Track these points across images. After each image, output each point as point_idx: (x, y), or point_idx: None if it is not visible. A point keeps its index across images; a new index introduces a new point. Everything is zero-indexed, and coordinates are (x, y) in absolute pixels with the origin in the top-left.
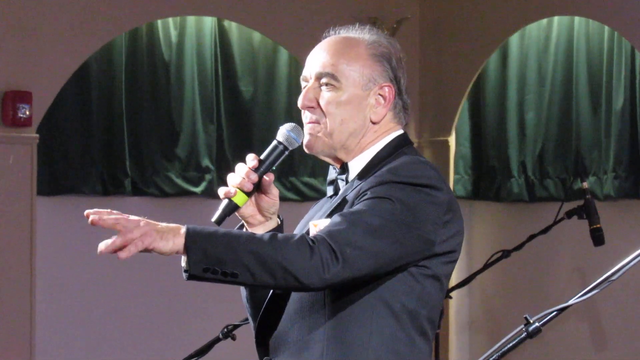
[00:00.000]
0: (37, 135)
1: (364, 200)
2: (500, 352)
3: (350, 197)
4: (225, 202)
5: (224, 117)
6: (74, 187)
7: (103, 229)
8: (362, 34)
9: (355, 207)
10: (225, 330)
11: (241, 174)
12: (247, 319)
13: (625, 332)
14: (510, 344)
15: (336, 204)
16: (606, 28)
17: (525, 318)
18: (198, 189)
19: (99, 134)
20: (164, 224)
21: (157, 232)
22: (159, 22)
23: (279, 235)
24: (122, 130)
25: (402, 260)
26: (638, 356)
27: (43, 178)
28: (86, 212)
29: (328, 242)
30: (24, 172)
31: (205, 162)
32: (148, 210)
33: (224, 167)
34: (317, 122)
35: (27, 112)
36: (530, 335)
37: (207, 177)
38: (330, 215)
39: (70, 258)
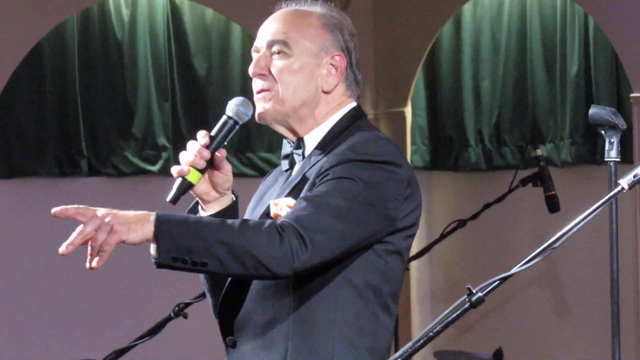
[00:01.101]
0: None
1: (326, 181)
2: (444, 323)
3: (310, 174)
4: (179, 180)
5: (179, 94)
6: (30, 169)
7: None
8: (312, 6)
9: (319, 189)
10: (177, 308)
11: (193, 151)
12: (198, 297)
13: (587, 297)
14: (454, 315)
15: (296, 181)
16: None
17: (468, 288)
18: (155, 168)
19: (54, 115)
20: (131, 213)
21: (123, 224)
22: (111, 1)
23: (249, 222)
24: (76, 110)
25: (367, 240)
26: (599, 320)
27: None
28: (52, 210)
29: (296, 228)
30: None
31: (162, 140)
32: (105, 191)
33: (180, 145)
34: (268, 89)
35: None
36: (473, 305)
37: (164, 155)
38: (290, 193)
39: (26, 241)
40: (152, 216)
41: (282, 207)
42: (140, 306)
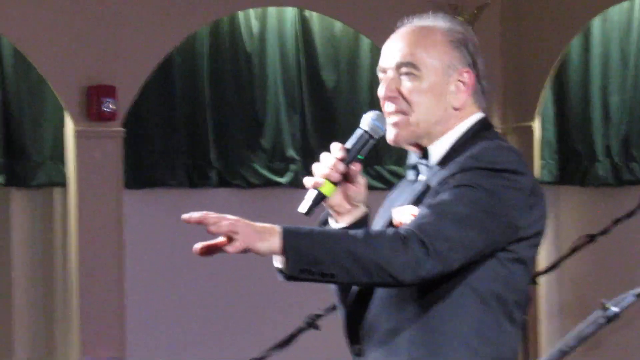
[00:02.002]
0: (123, 129)
1: (447, 189)
2: (579, 338)
3: (433, 183)
4: (313, 192)
5: (308, 106)
6: (160, 179)
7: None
8: (435, 21)
9: (441, 197)
10: (309, 319)
11: (328, 164)
12: (331, 308)
13: None
14: (589, 330)
15: (420, 190)
16: None
17: (602, 303)
18: (284, 179)
19: (184, 126)
20: (259, 224)
21: (256, 232)
22: (241, 13)
23: (373, 231)
24: (206, 122)
25: (489, 248)
26: None
27: (129, 171)
28: (182, 216)
29: (419, 236)
30: (111, 166)
31: (290, 152)
32: (234, 202)
33: (309, 157)
34: (401, 112)
35: (112, 106)
36: (609, 320)
37: (293, 167)
38: (415, 202)
39: (157, 249)
40: (278, 228)
41: (405, 214)
42: (271, 317)
